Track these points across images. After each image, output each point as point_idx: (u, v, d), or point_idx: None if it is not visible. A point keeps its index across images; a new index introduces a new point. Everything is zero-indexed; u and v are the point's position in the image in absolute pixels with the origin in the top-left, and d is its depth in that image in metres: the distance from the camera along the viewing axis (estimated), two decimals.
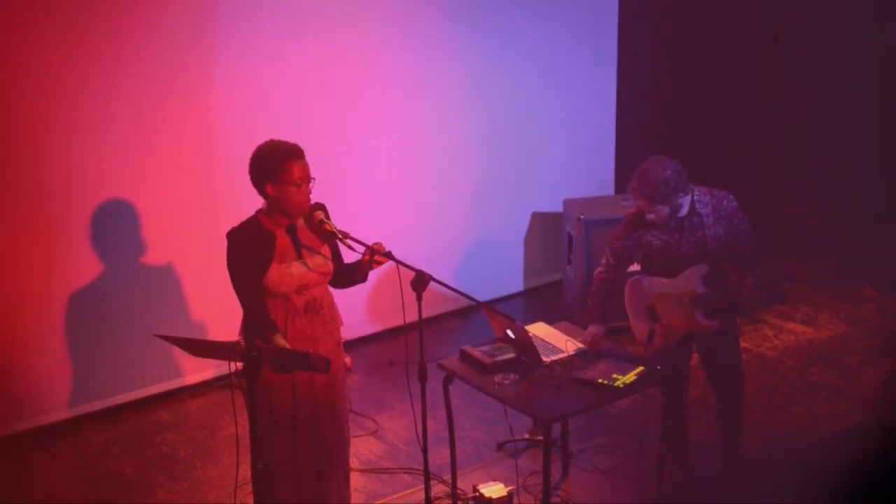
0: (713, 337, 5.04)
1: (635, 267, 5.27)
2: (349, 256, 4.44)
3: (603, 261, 5.12)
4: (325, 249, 4.40)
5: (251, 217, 4.36)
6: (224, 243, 4.31)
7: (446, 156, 7.08)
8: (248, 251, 4.25)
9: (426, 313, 4.54)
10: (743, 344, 6.60)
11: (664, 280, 5.00)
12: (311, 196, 4.33)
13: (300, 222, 4.36)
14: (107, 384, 6.09)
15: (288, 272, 4.29)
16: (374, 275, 4.61)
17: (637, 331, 5.20)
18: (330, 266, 4.40)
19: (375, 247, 4.33)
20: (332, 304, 4.48)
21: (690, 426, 5.46)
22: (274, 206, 4.29)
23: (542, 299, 7.48)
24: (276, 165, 4.22)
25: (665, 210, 4.82)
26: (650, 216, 4.86)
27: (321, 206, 4.40)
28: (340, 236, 4.25)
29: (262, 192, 4.28)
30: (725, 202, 4.90)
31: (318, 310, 4.39)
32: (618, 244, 5.04)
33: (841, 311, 7.09)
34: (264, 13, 6.15)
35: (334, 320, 4.49)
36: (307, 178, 4.26)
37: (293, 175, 4.22)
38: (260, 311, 4.27)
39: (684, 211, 4.88)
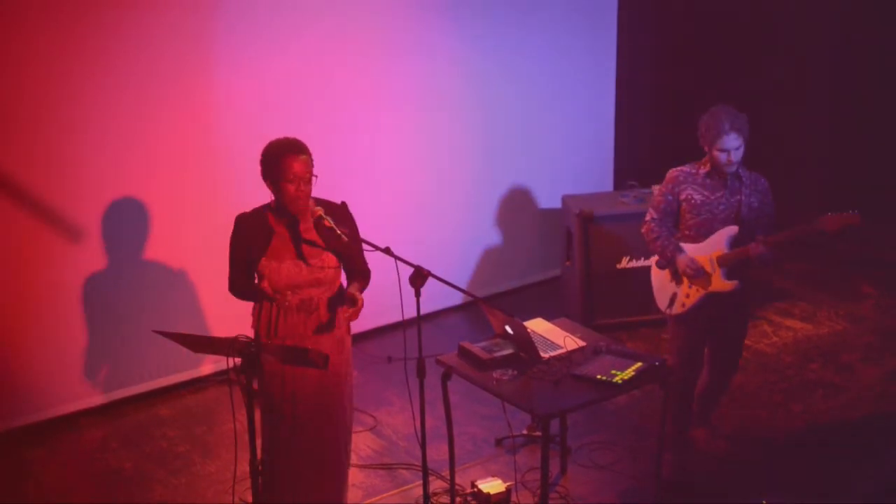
0: (727, 306, 5.18)
1: (652, 260, 5.33)
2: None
3: (648, 218, 5.27)
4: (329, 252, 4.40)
5: (262, 207, 4.39)
6: (225, 240, 4.36)
7: (445, 152, 7.07)
8: (243, 239, 4.35)
9: (425, 309, 4.54)
10: None
11: (692, 245, 5.15)
12: (315, 194, 4.33)
13: (309, 221, 4.34)
14: (106, 380, 6.09)
15: (277, 270, 4.29)
16: (373, 269, 4.61)
17: (659, 298, 5.31)
18: (332, 267, 4.40)
19: (348, 295, 4.36)
20: (332, 306, 4.45)
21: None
22: (276, 202, 4.30)
23: (540, 295, 7.47)
24: (274, 162, 4.23)
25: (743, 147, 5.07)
26: (724, 157, 5.02)
27: (342, 206, 4.40)
28: (339, 233, 4.24)
29: (267, 187, 4.31)
30: (762, 180, 5.20)
31: (312, 309, 4.38)
32: (660, 200, 5.22)
33: (840, 309, 7.09)
34: (265, 13, 6.14)
35: (332, 322, 4.46)
36: (305, 176, 4.25)
37: (288, 171, 4.21)
38: (241, 286, 4.45)
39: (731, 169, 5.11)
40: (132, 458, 5.67)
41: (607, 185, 7.80)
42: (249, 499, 4.35)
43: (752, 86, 8.48)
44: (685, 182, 5.15)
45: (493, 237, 7.42)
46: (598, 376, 4.63)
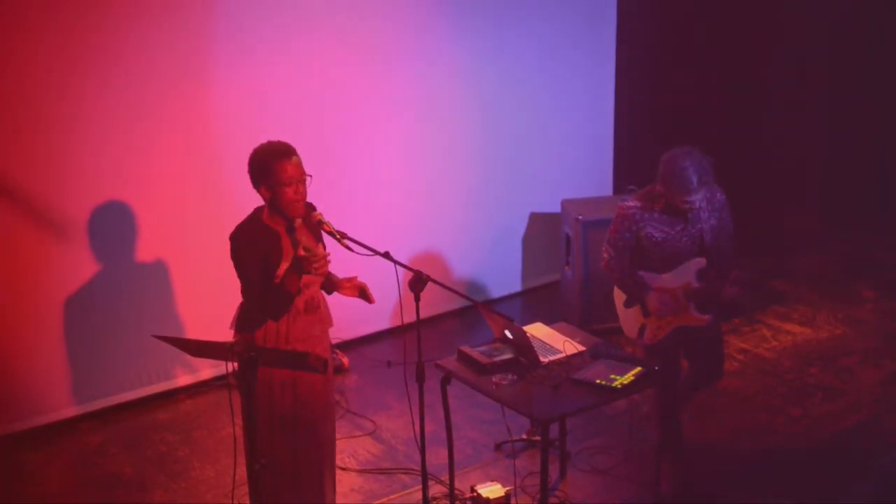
0: (700, 339, 5.13)
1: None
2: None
3: (605, 255, 5.10)
4: (321, 248, 4.41)
5: (252, 216, 4.35)
6: (223, 243, 4.32)
7: (444, 156, 7.07)
8: (255, 250, 4.25)
9: (424, 313, 4.55)
10: (741, 345, 6.64)
11: (659, 275, 5.04)
12: (311, 198, 4.33)
13: (297, 221, 4.36)
14: (105, 384, 6.09)
15: None
16: (372, 274, 4.62)
17: (627, 326, 5.23)
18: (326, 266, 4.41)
19: (361, 285, 4.51)
20: (325, 303, 4.50)
21: (688, 426, 5.46)
22: (272, 207, 4.29)
23: (540, 300, 7.48)
24: (267, 167, 4.22)
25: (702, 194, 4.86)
26: (686, 206, 4.84)
27: (312, 206, 4.41)
28: (338, 237, 4.25)
29: (259, 193, 4.29)
30: (718, 195, 5.00)
31: (315, 308, 4.40)
32: (616, 238, 5.05)
33: (839, 312, 7.09)
34: (263, 14, 6.15)
35: (328, 319, 4.51)
36: (300, 177, 4.25)
37: (284, 175, 4.21)
38: (275, 298, 4.28)
39: None
40: (131, 462, 5.67)
41: (607, 189, 7.80)
42: (248, 503, 4.35)
43: (752, 87, 8.49)
44: (643, 220, 4.97)
45: (492, 241, 7.41)
46: (598, 381, 4.62)
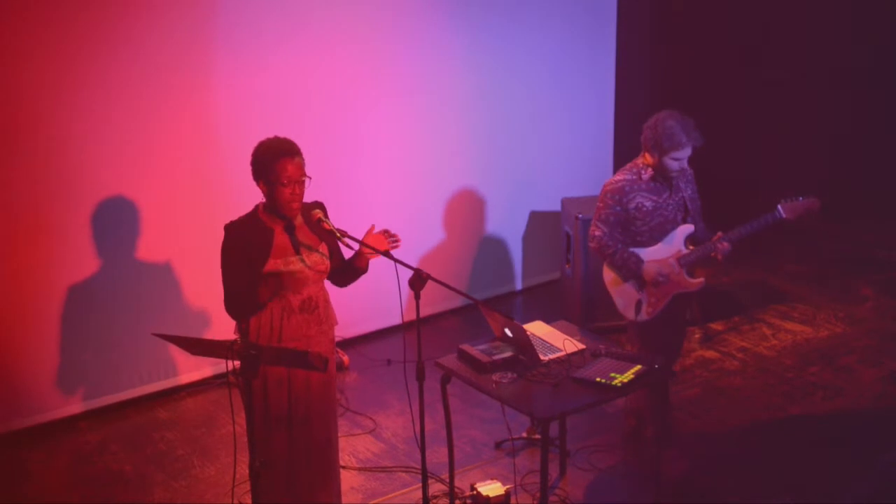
0: (685, 307, 5.39)
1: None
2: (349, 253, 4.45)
3: (597, 233, 5.19)
4: (323, 247, 4.40)
5: (251, 211, 4.35)
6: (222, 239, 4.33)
7: (445, 155, 7.08)
8: (241, 245, 4.25)
9: (424, 312, 4.55)
10: (741, 343, 6.65)
11: (649, 248, 5.16)
12: (309, 195, 4.32)
13: (299, 220, 4.36)
14: (105, 382, 6.09)
15: (286, 270, 4.29)
16: (372, 273, 4.61)
17: (622, 306, 5.29)
18: (327, 264, 4.40)
19: (378, 238, 4.38)
20: (327, 303, 4.48)
21: (688, 424, 5.46)
22: (269, 203, 4.29)
23: (540, 298, 7.48)
24: (267, 164, 4.21)
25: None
26: (676, 165, 5.05)
27: (320, 205, 4.40)
28: (338, 234, 4.24)
29: (259, 187, 4.29)
30: (688, 166, 5.19)
31: (312, 308, 4.39)
32: (607, 213, 5.16)
33: (839, 311, 7.09)
34: (263, 11, 6.15)
35: (329, 319, 4.49)
36: (299, 178, 4.24)
37: (282, 174, 4.20)
38: (244, 298, 4.27)
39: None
40: (132, 460, 5.67)
41: None
42: (249, 501, 4.35)
43: (751, 85, 8.49)
44: (632, 191, 5.12)
45: (492, 240, 7.42)
46: (598, 379, 4.63)
